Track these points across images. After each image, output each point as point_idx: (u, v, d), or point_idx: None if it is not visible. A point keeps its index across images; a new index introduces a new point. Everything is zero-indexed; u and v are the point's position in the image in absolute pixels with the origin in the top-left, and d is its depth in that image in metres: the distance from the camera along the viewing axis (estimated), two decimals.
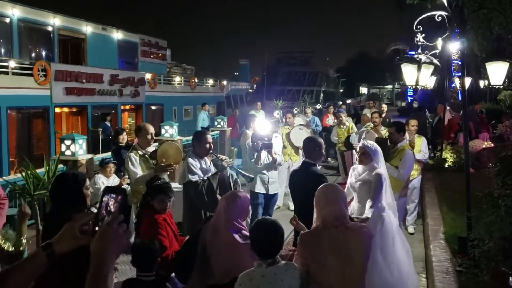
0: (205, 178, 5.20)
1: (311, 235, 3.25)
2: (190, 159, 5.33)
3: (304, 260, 3.18)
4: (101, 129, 16.13)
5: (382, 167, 5.11)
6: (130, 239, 1.64)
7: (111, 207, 1.60)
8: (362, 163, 5.12)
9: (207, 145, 5.41)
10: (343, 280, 3.09)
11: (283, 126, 10.38)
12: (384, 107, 13.21)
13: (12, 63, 14.44)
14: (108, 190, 1.65)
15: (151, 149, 5.98)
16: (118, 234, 1.55)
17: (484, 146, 11.81)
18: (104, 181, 7.35)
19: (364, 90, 77.41)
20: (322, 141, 5.31)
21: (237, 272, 3.13)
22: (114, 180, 7.47)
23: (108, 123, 17.04)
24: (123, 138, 8.03)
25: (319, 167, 5.46)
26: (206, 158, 5.50)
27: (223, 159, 5.41)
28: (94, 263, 1.52)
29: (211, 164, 5.59)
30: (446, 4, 5.54)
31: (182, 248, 3.78)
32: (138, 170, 5.68)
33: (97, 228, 1.58)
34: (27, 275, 1.66)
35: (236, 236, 3.46)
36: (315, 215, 3.34)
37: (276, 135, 7.59)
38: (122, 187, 7.06)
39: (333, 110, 16.23)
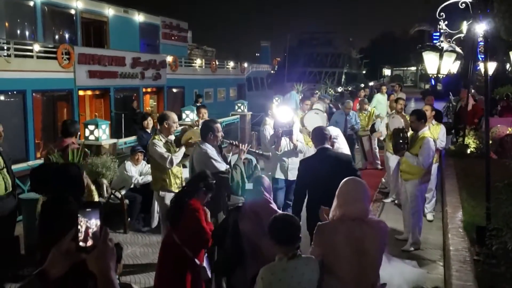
0: (232, 165, 5.27)
1: (329, 226, 3.29)
2: (209, 150, 5.27)
3: (320, 250, 3.23)
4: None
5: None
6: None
7: (90, 222, 1.64)
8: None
9: (220, 134, 5.45)
10: (357, 271, 3.14)
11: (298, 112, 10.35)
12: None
13: (36, 47, 14.67)
14: (84, 205, 1.69)
15: (171, 137, 6.08)
16: (113, 248, 1.63)
17: (508, 132, 11.61)
18: (133, 168, 7.61)
19: (387, 72, 76.32)
20: (324, 125, 5.45)
21: None
22: (143, 167, 7.71)
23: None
24: (148, 124, 8.17)
25: None
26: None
27: (236, 144, 5.49)
28: (103, 280, 1.59)
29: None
30: None
31: (228, 245, 3.87)
32: (164, 152, 5.75)
33: (81, 243, 1.62)
34: None
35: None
36: (334, 206, 3.35)
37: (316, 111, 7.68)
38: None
39: (363, 94, 15.45)
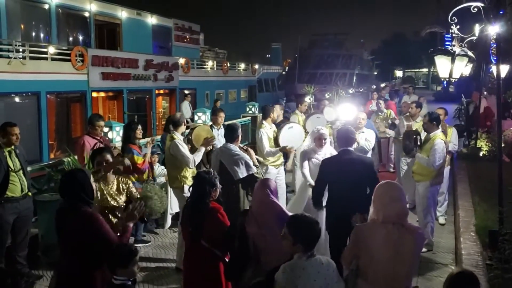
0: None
1: (367, 228, 3.34)
2: (240, 152, 5.57)
3: (355, 251, 3.29)
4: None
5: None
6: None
7: None
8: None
9: (240, 138, 5.80)
10: (391, 275, 3.19)
11: (294, 113, 10.04)
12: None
13: (51, 49, 14.85)
14: None
15: None
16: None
17: None
18: None
19: (399, 73, 75.81)
20: (351, 128, 5.47)
21: (285, 256, 3.31)
22: (156, 168, 7.81)
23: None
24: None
25: None
26: None
27: (246, 149, 5.85)
28: None
29: None
30: None
31: (235, 248, 3.88)
32: (188, 153, 6.05)
33: None
34: None
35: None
36: (372, 210, 3.40)
37: (291, 125, 7.41)
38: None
39: (376, 96, 15.21)
